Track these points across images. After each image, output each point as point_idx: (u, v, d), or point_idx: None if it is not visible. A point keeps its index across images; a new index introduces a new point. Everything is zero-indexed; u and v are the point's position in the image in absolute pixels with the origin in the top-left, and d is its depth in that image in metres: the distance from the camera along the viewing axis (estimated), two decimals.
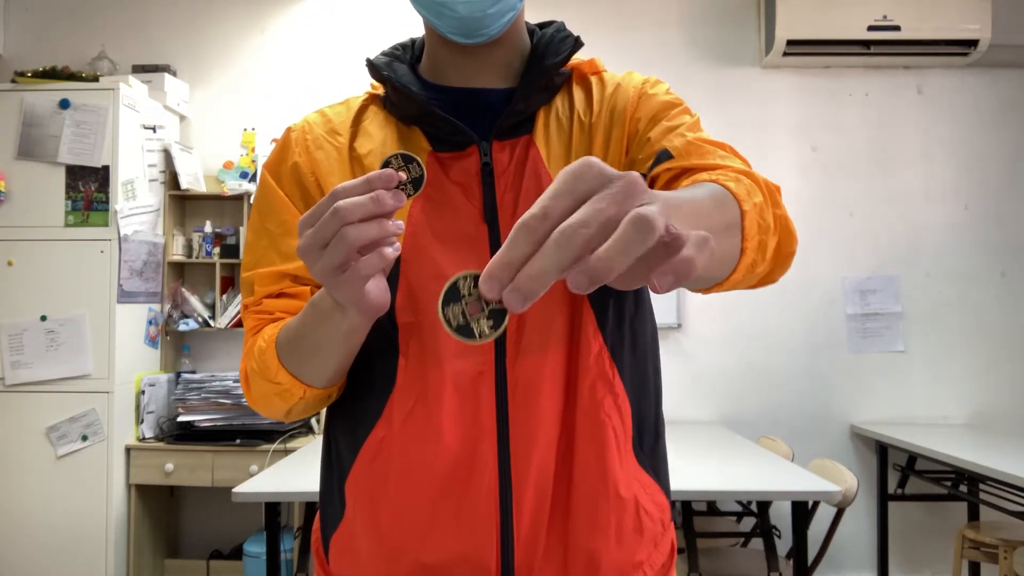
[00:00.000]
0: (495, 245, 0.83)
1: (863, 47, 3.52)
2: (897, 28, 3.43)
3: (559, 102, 0.90)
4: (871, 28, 3.44)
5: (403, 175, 0.65)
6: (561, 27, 0.93)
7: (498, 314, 0.46)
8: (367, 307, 0.68)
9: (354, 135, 0.89)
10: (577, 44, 0.90)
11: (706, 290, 0.71)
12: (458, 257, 0.83)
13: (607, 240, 0.41)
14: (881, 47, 3.50)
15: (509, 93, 0.88)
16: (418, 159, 0.67)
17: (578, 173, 0.43)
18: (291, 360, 0.79)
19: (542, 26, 0.95)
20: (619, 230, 0.41)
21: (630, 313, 0.90)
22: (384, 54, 0.93)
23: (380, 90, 0.91)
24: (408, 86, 0.86)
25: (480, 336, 0.47)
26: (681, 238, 0.43)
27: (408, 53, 0.94)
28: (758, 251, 0.68)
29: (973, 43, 3.45)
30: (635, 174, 0.44)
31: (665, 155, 0.81)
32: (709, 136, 0.85)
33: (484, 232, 0.84)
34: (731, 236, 0.65)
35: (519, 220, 0.43)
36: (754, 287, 0.78)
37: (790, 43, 3.48)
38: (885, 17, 3.43)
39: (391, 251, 0.64)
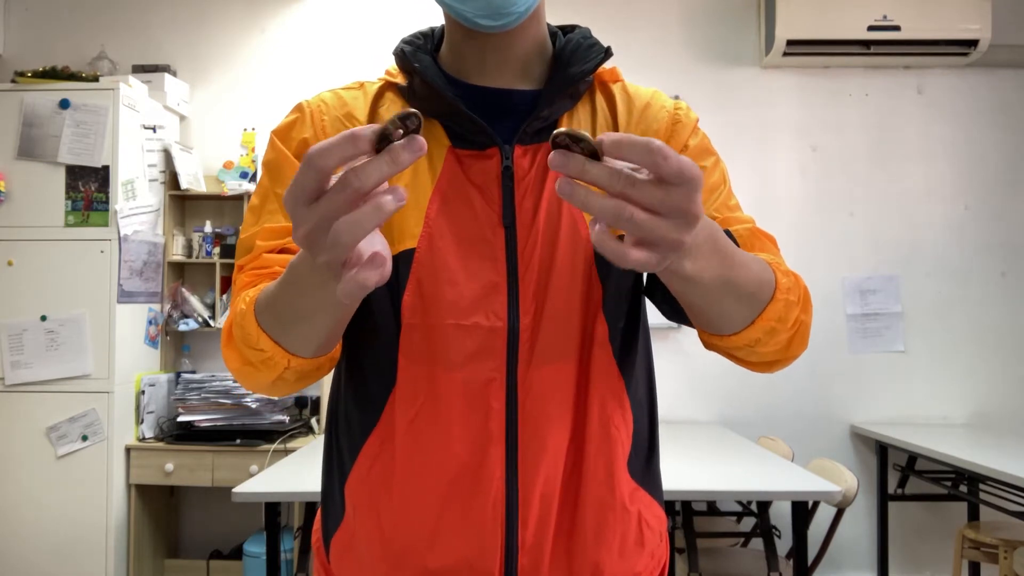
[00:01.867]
0: (511, 250, 0.82)
1: (863, 47, 3.52)
2: (897, 28, 3.43)
3: (581, 110, 0.89)
4: (871, 28, 3.44)
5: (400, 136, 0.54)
6: (587, 33, 0.92)
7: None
8: (361, 282, 0.56)
9: (371, 123, 0.86)
10: (607, 54, 0.89)
11: (707, 342, 0.81)
12: (473, 261, 0.82)
13: (648, 217, 0.54)
14: (881, 47, 3.50)
15: (532, 96, 0.87)
16: (415, 112, 0.54)
17: (694, 176, 0.54)
18: (273, 327, 0.72)
19: (564, 30, 0.93)
20: (659, 222, 0.54)
21: (638, 327, 0.90)
22: (407, 42, 0.90)
23: (398, 78, 0.89)
24: (435, 80, 0.85)
25: None
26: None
27: (429, 42, 0.92)
28: (767, 334, 0.76)
29: (973, 43, 3.45)
30: (709, 221, 0.59)
31: (729, 238, 0.84)
32: (736, 197, 0.92)
33: (501, 236, 0.82)
34: (748, 305, 0.73)
35: (657, 144, 0.52)
36: (750, 368, 0.84)
37: (790, 43, 3.48)
38: (885, 17, 3.43)
39: (392, 200, 0.53)
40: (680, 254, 0.57)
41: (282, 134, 0.88)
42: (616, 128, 0.88)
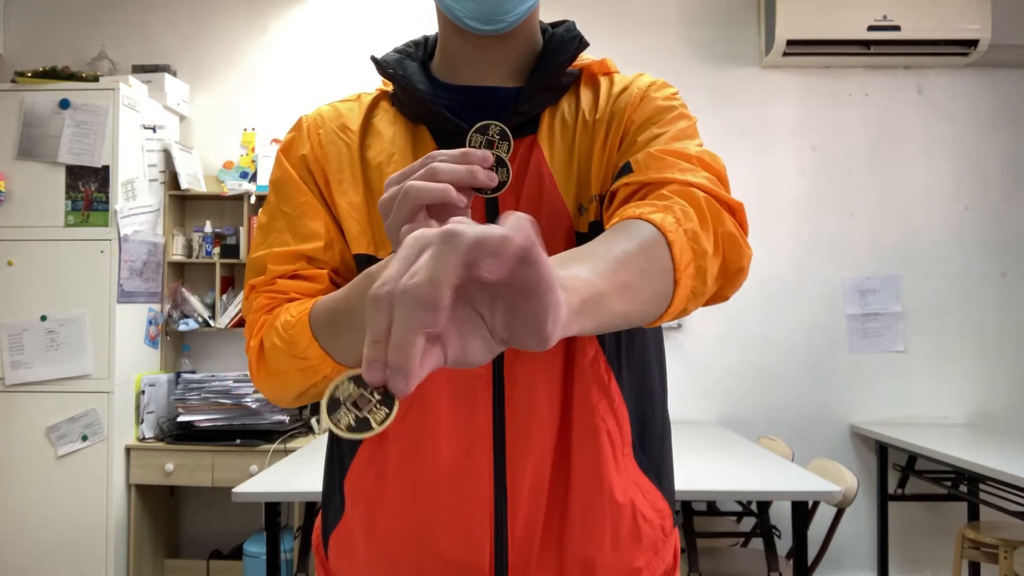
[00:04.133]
0: None
1: (863, 47, 3.52)
2: (897, 28, 3.43)
3: (565, 103, 0.89)
4: (871, 28, 3.44)
5: (491, 159, 0.65)
6: (571, 27, 0.92)
7: (388, 399, 0.47)
8: None
9: (364, 133, 0.89)
10: (581, 45, 0.89)
11: (651, 324, 0.70)
12: None
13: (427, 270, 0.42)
14: (881, 47, 3.50)
15: (515, 93, 0.87)
16: (510, 141, 0.67)
17: (419, 240, 0.44)
18: (327, 334, 0.74)
19: (555, 25, 0.94)
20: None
21: None
22: (396, 51, 0.92)
23: (391, 87, 0.91)
24: (414, 84, 0.86)
25: (379, 424, 0.47)
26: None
27: (421, 50, 0.93)
28: (696, 277, 0.68)
29: (973, 43, 3.45)
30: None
31: (626, 168, 0.79)
32: (698, 143, 0.83)
33: None
34: (661, 275, 0.65)
35: (369, 294, 0.43)
36: (705, 305, 0.76)
37: (790, 43, 3.48)
38: (885, 17, 3.43)
39: (452, 191, 0.61)
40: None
41: (285, 151, 0.91)
42: (596, 114, 0.87)
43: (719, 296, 0.76)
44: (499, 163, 0.66)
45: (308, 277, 0.84)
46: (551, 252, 0.80)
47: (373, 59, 0.91)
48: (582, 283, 0.55)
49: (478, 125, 0.67)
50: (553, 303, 0.45)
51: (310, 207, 0.86)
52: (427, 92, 0.86)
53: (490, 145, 0.67)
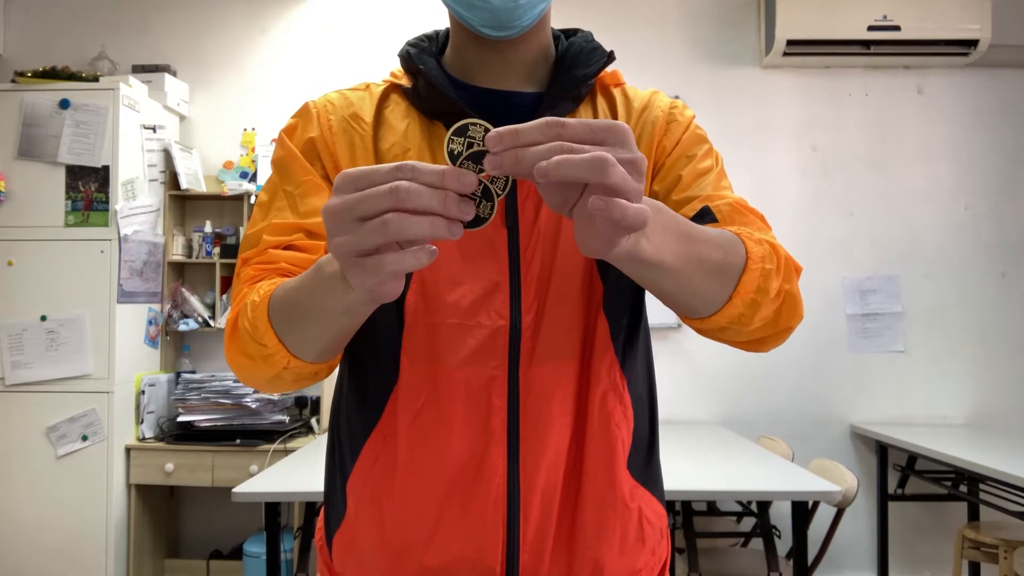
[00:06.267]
0: (514, 250, 0.83)
1: (863, 47, 3.52)
2: (897, 28, 3.43)
3: (583, 112, 0.90)
4: (871, 28, 3.44)
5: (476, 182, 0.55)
6: (589, 37, 0.93)
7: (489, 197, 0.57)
8: (378, 295, 0.59)
9: (377, 124, 0.88)
10: (610, 58, 0.91)
11: (689, 322, 0.80)
12: (476, 262, 0.82)
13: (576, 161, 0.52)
14: (881, 47, 3.50)
15: (534, 99, 0.88)
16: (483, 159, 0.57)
17: (614, 128, 0.55)
18: (281, 323, 0.73)
19: (567, 33, 0.95)
20: (584, 156, 0.52)
21: (639, 326, 0.91)
22: (412, 44, 0.92)
23: (402, 80, 0.90)
24: (439, 82, 0.86)
25: (483, 211, 0.57)
26: (623, 198, 0.53)
27: (434, 45, 0.93)
28: (749, 307, 0.75)
29: (973, 43, 3.45)
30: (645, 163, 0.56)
31: (708, 215, 0.83)
32: (729, 181, 0.91)
33: (504, 237, 0.83)
34: (720, 280, 0.73)
35: (550, 117, 0.54)
36: (743, 347, 0.83)
37: (790, 43, 3.48)
38: (885, 17, 3.43)
39: (426, 256, 0.55)
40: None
41: (290, 133, 0.90)
42: None
43: (759, 345, 0.82)
44: (484, 195, 0.56)
45: (303, 248, 0.82)
46: (573, 263, 0.83)
47: (402, 54, 0.90)
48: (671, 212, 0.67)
49: (457, 125, 0.58)
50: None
51: (314, 186, 0.85)
52: (452, 91, 0.85)
53: (470, 147, 0.57)
